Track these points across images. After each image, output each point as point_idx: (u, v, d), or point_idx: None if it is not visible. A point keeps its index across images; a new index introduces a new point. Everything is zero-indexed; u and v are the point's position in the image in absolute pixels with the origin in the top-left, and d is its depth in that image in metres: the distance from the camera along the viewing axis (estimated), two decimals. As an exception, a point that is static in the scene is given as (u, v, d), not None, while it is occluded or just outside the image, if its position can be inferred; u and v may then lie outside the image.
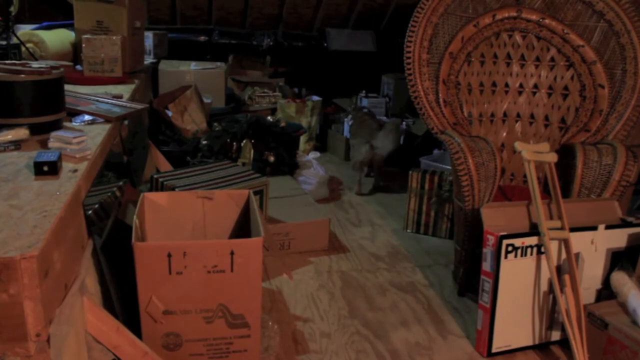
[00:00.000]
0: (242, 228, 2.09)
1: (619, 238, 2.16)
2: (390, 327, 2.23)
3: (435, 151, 3.96)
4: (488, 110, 2.70)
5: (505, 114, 2.70)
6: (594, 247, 2.13)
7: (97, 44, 2.85)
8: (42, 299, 1.07)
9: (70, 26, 3.24)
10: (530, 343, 2.11)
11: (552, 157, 2.17)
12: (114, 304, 1.64)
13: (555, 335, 2.14)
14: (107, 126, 1.96)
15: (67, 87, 2.02)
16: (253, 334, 1.77)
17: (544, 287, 2.07)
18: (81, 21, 3.04)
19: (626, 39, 2.49)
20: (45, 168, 1.46)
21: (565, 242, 2.04)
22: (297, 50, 5.45)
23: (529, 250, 2.01)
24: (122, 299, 1.69)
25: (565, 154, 2.42)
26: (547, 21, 2.61)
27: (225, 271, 1.68)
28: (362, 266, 2.74)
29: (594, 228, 2.11)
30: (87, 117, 1.99)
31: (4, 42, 2.80)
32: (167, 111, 3.61)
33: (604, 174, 2.29)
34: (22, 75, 1.73)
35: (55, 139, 1.65)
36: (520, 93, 2.70)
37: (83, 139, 1.66)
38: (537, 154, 2.15)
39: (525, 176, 2.57)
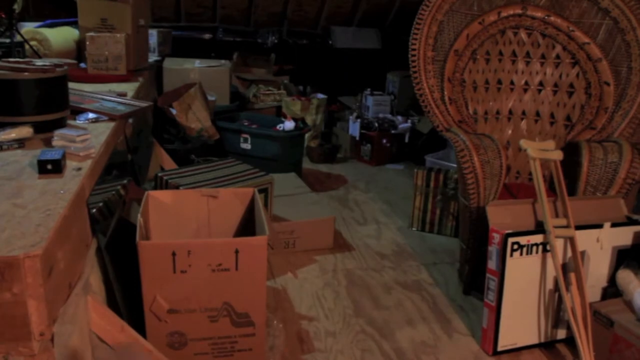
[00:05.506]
0: (247, 226, 2.09)
1: (624, 236, 2.15)
2: (395, 325, 2.23)
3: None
4: (493, 107, 2.69)
5: (510, 112, 2.69)
6: (600, 245, 2.12)
7: (101, 41, 2.85)
8: (46, 298, 1.07)
9: (74, 24, 3.24)
10: (535, 341, 2.10)
11: (558, 155, 2.15)
12: (118, 303, 1.64)
13: (561, 334, 2.13)
14: (112, 124, 1.96)
15: (71, 85, 2.01)
16: (258, 332, 1.77)
17: (550, 285, 2.07)
18: (85, 19, 3.03)
19: (632, 36, 2.47)
20: (49, 166, 1.45)
21: (571, 240, 2.03)
22: (302, 48, 5.44)
23: (534, 248, 2.00)
24: (127, 298, 1.69)
25: (571, 152, 2.41)
26: (552, 18, 2.59)
27: (230, 270, 1.67)
28: (368, 264, 2.73)
29: (600, 226, 2.10)
30: (91, 115, 1.99)
31: (7, 40, 2.79)
32: (171, 109, 3.61)
33: (610, 172, 2.27)
34: (26, 73, 1.73)
35: (59, 137, 1.65)
36: (525, 90, 2.68)
37: (87, 137, 1.66)
38: (543, 151, 2.14)
39: (530, 174, 2.56)
